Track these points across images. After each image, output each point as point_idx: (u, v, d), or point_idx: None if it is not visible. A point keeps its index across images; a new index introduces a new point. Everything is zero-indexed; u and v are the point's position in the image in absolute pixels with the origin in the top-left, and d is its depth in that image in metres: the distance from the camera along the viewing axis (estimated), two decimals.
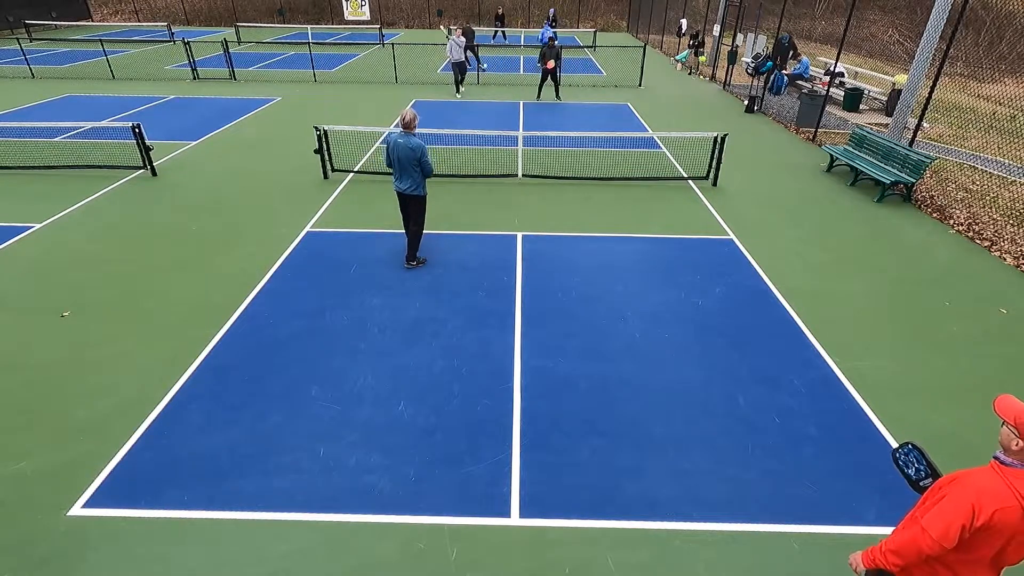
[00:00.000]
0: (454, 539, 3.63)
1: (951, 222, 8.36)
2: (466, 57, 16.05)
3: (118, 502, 3.83)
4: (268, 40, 27.71)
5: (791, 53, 17.08)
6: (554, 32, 22.20)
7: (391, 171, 6.51)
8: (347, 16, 30.79)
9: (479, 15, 35.62)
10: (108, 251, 7.20)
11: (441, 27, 17.82)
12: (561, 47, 15.52)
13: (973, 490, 2.19)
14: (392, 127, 11.83)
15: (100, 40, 21.16)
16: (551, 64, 15.10)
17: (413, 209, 6.61)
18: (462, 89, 16.66)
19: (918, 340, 5.66)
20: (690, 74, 20.96)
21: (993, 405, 2.28)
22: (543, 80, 15.68)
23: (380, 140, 11.89)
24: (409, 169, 6.27)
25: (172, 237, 7.59)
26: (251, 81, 18.33)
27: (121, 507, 3.79)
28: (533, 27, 34.07)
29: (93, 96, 15.86)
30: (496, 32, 28.87)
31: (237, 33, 27.97)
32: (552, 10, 28.63)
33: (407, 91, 17.18)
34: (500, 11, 29.42)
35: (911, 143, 9.54)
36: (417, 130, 6.29)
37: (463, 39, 15.60)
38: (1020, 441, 2.15)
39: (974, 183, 9.80)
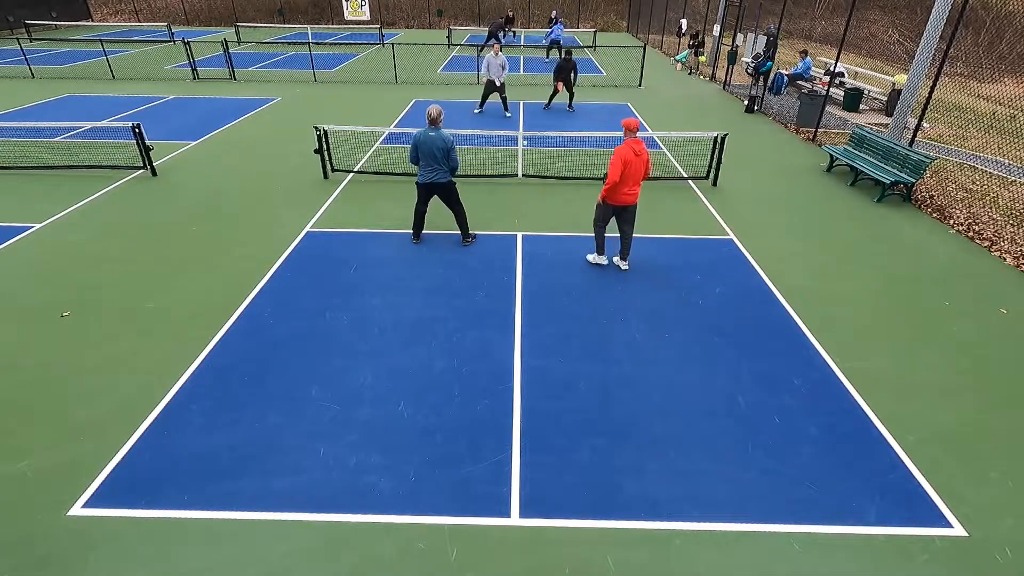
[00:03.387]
0: (454, 539, 3.63)
1: (951, 222, 8.36)
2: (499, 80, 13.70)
3: (118, 502, 3.83)
4: (268, 40, 27.71)
5: (776, 48, 16.90)
6: (562, 35, 22.10)
7: (397, 182, 7.11)
8: (347, 16, 30.81)
9: (479, 15, 35.63)
10: (108, 251, 7.20)
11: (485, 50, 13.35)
12: (576, 63, 14.36)
13: (618, 152, 6.07)
14: (393, 126, 11.85)
15: (100, 40, 21.16)
16: (561, 86, 14.16)
17: (446, 195, 7.08)
18: (477, 110, 14.70)
19: (918, 340, 5.66)
20: (690, 74, 20.96)
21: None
22: (569, 92, 14.54)
23: (376, 142, 11.89)
24: (438, 160, 6.77)
25: (172, 237, 7.59)
26: (251, 81, 18.33)
27: (121, 507, 3.80)
28: (534, 27, 34.10)
29: (93, 96, 15.86)
30: (506, 34, 28.89)
31: (237, 33, 27.96)
32: (554, 11, 28.58)
33: (407, 91, 17.18)
34: (510, 13, 29.37)
35: (911, 143, 9.54)
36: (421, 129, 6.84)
37: (504, 60, 13.51)
38: (627, 130, 6.19)
39: (974, 183, 9.80)
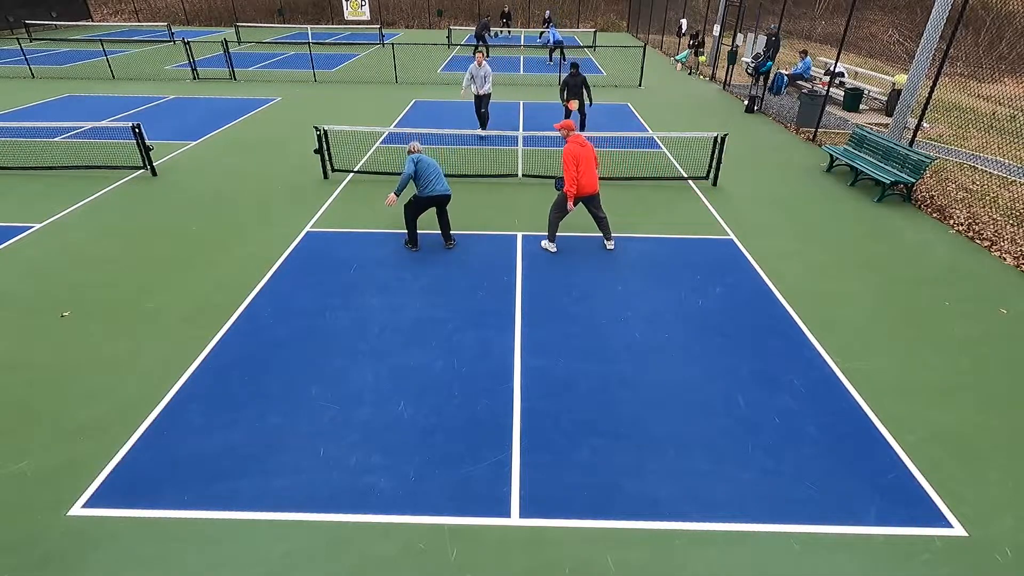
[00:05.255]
0: (454, 539, 3.63)
1: (951, 222, 8.36)
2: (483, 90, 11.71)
3: (118, 502, 3.83)
4: (268, 40, 27.72)
5: (778, 48, 16.86)
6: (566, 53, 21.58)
7: (396, 182, 7.17)
8: (347, 16, 30.84)
9: (479, 16, 35.61)
10: (108, 251, 7.20)
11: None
12: (585, 77, 11.79)
13: (566, 151, 6.73)
14: (393, 126, 11.81)
15: (100, 40, 21.16)
16: (574, 104, 11.65)
17: (446, 203, 7.23)
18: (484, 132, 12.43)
19: (918, 340, 5.66)
20: (690, 74, 20.96)
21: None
22: (581, 113, 12.29)
23: (376, 142, 11.88)
24: (440, 172, 7.08)
25: (172, 237, 7.59)
26: (251, 81, 18.33)
27: (121, 507, 3.80)
28: (534, 27, 34.09)
29: (93, 96, 15.86)
30: (502, 31, 28.96)
31: (237, 33, 27.97)
32: (547, 12, 28.52)
33: (407, 91, 17.18)
34: (506, 8, 29.39)
35: (911, 143, 9.54)
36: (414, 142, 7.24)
37: (488, 70, 11.54)
38: (565, 130, 7.08)
39: (974, 183, 9.80)
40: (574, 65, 11.79)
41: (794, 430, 4.50)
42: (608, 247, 7.41)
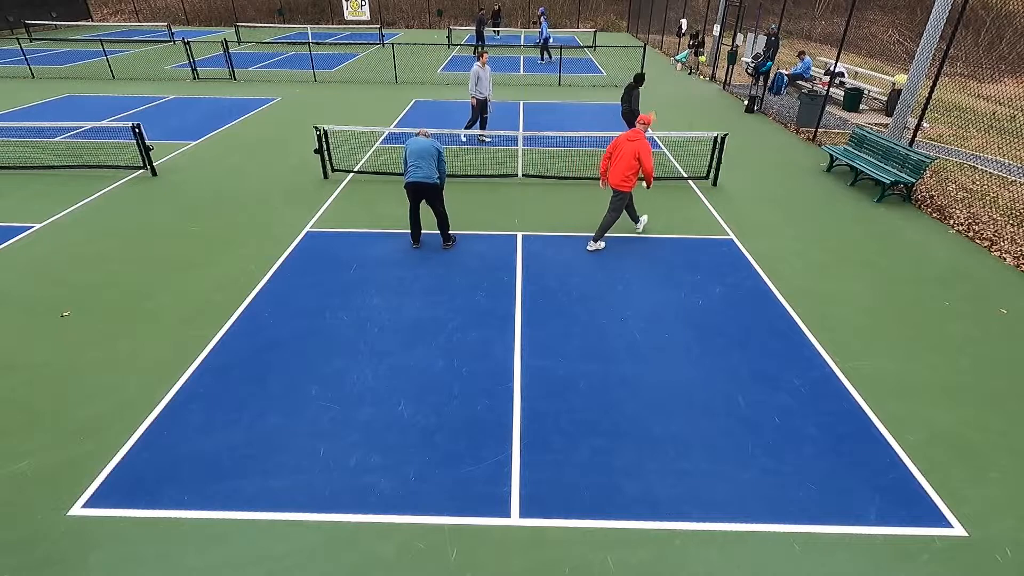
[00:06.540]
0: (454, 539, 3.63)
1: (951, 222, 8.36)
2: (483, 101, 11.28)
3: (118, 502, 3.83)
4: (268, 40, 27.71)
5: (778, 48, 16.82)
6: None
7: (403, 172, 6.99)
8: (347, 16, 30.81)
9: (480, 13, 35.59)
10: (108, 251, 7.20)
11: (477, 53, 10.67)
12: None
13: (614, 141, 6.96)
14: (393, 126, 11.84)
15: (100, 40, 21.16)
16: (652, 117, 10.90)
17: (432, 197, 7.00)
18: (485, 137, 12.09)
19: (918, 340, 5.66)
20: (690, 74, 20.95)
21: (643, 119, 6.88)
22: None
23: (376, 142, 11.90)
24: (427, 159, 6.82)
25: (172, 237, 7.59)
26: (251, 81, 18.33)
27: (121, 507, 3.80)
28: (533, 27, 34.07)
29: (93, 96, 15.86)
30: (494, 31, 28.98)
31: (237, 33, 27.97)
32: (542, 9, 28.50)
33: (407, 91, 17.18)
34: (497, 7, 29.41)
35: (911, 143, 9.54)
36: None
37: (488, 68, 11.10)
38: (644, 125, 6.85)
39: (974, 183, 9.80)
40: (638, 75, 11.10)
41: (794, 430, 4.50)
42: (588, 248, 7.35)
